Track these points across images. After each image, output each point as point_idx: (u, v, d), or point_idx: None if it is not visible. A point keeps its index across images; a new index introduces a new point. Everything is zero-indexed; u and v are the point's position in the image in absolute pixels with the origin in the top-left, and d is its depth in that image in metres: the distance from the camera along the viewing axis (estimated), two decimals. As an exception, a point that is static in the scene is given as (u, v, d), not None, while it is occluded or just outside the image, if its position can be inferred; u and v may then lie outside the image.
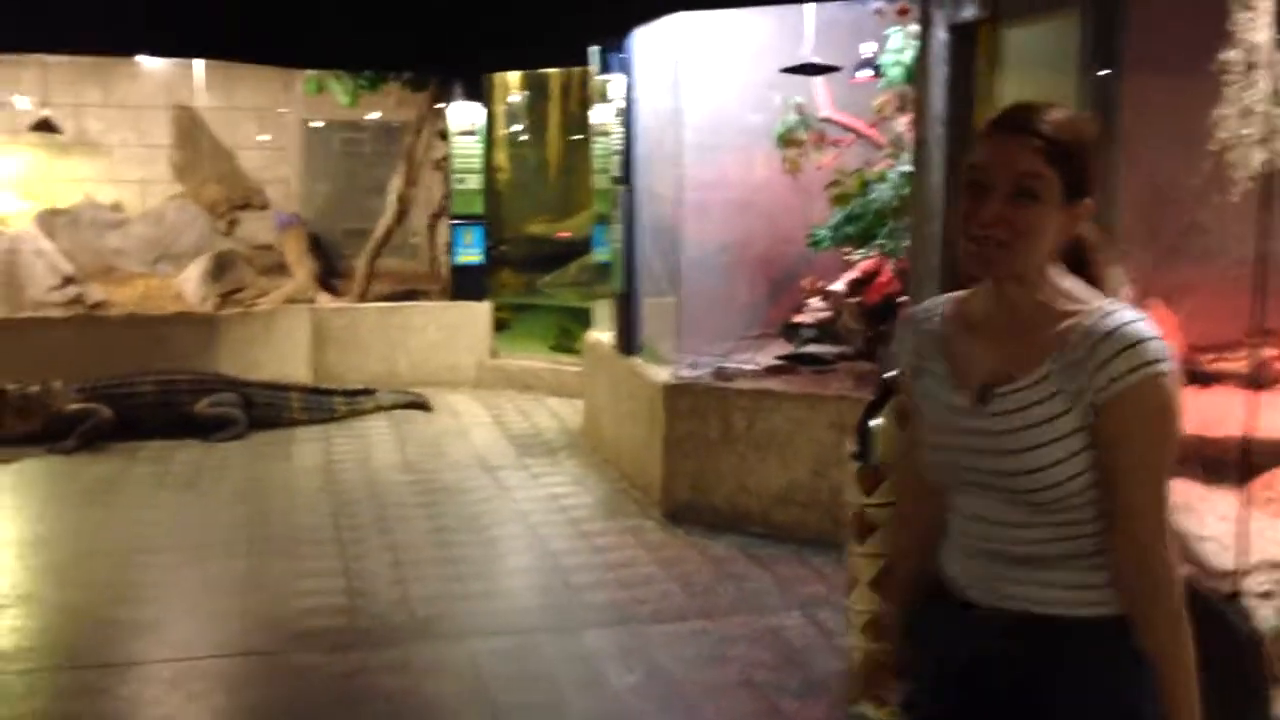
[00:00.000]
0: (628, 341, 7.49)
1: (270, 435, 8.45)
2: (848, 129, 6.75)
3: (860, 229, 6.41)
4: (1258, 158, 3.11)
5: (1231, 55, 2.97)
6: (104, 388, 8.31)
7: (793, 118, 6.65)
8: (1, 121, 11.47)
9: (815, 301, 7.10)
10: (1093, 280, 1.87)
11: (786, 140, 6.66)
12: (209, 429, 8.32)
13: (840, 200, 6.47)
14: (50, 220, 10.73)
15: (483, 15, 9.18)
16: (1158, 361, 1.72)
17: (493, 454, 8.06)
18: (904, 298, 6.83)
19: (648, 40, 7.17)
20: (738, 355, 6.94)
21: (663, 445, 6.53)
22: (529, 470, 7.63)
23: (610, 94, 7.65)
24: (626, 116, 7.30)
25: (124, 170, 11.81)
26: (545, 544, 6.13)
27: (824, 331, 6.99)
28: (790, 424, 6.18)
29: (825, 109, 6.75)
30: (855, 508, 3.95)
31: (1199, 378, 4.07)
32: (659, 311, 7.35)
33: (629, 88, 7.28)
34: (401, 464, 7.74)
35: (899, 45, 6.16)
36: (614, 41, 7.41)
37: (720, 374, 6.59)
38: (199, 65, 11.37)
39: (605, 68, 7.70)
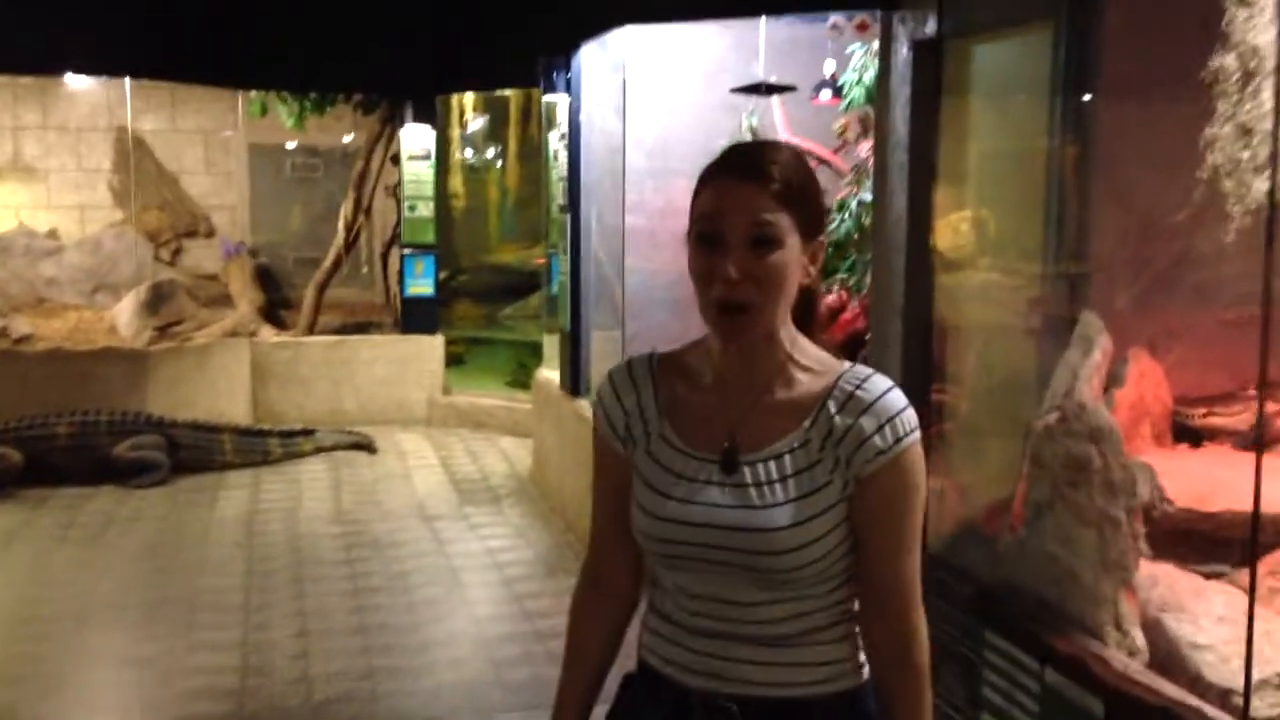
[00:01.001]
0: (574, 382, 6.95)
1: (196, 481, 7.88)
2: (806, 154, 6.24)
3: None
4: (1258, 186, 2.60)
5: (1226, 62, 2.45)
6: (15, 429, 7.73)
7: (748, 142, 6.13)
8: (-70, 145, 10.95)
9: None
10: (811, 326, 1.76)
11: (741, 166, 6.13)
12: (128, 474, 7.75)
13: (798, 231, 5.94)
14: (-23, 249, 10.18)
15: (431, 33, 8.69)
16: (914, 432, 1.65)
17: (433, 501, 7.50)
18: (869, 334, 6.33)
19: (594, 58, 6.67)
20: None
21: (606, 497, 5.98)
22: (468, 521, 7.07)
23: (556, 116, 7.14)
24: (571, 139, 6.78)
25: (61, 196, 11.29)
26: (472, 609, 5.57)
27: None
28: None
29: (783, 132, 6.25)
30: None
31: (1187, 435, 3.54)
32: (607, 350, 6.82)
33: (573, 109, 6.77)
34: (332, 513, 7.17)
35: (860, 63, 5.66)
36: (559, 60, 6.90)
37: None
38: (141, 87, 10.86)
39: (551, 87, 7.19)
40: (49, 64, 9.03)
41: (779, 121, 6.27)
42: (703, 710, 1.69)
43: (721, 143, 6.58)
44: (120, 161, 11.15)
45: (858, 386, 1.66)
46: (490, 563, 6.23)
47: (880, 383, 1.67)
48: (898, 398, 1.66)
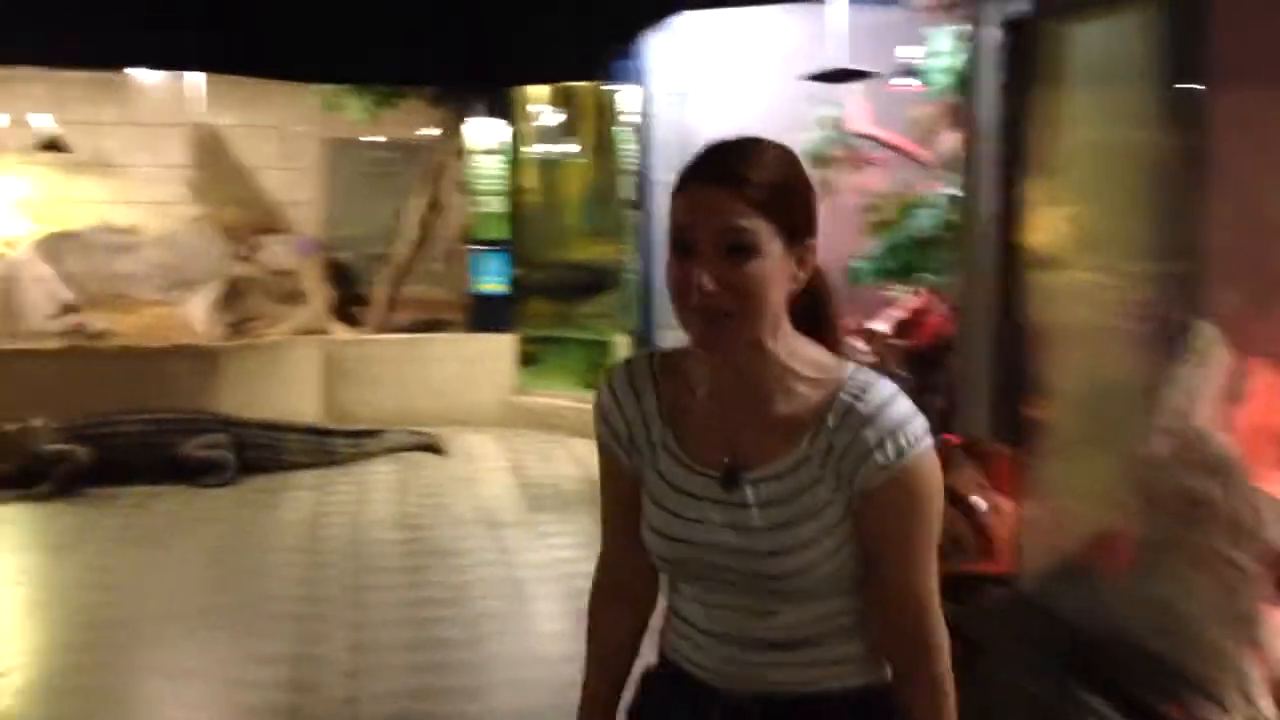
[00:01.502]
0: (644, 385, 6.69)
1: (262, 481, 7.77)
2: (888, 146, 5.90)
3: (902, 261, 5.55)
4: None
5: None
6: (86, 427, 7.68)
7: (825, 133, 5.81)
8: (12, 140, 11.01)
9: (855, 344, 6.25)
10: (827, 330, 1.67)
11: (818, 159, 5.81)
12: (196, 473, 7.66)
13: (878, 228, 5.62)
14: (58, 244, 10.21)
15: (501, 24, 8.48)
16: (918, 443, 1.56)
17: (501, 507, 7.30)
18: (956, 339, 5.97)
19: (663, 47, 6.39)
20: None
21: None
22: (537, 528, 6.85)
23: (625, 108, 6.88)
24: (640, 133, 6.51)
25: (140, 191, 11.29)
26: (536, 625, 5.34)
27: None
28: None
29: (862, 123, 5.92)
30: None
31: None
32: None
33: (644, 101, 6.50)
34: (396, 518, 7.00)
35: (945, 47, 5.30)
36: (627, 49, 6.63)
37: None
38: (218, 82, 10.84)
39: (619, 78, 6.93)
40: (122, 58, 9.02)
41: (858, 111, 5.94)
42: (724, 709, 1.68)
43: (799, 135, 6.31)
44: (197, 157, 11.14)
45: (856, 398, 1.57)
46: (557, 574, 6.00)
47: (881, 392, 1.57)
48: (900, 408, 1.56)
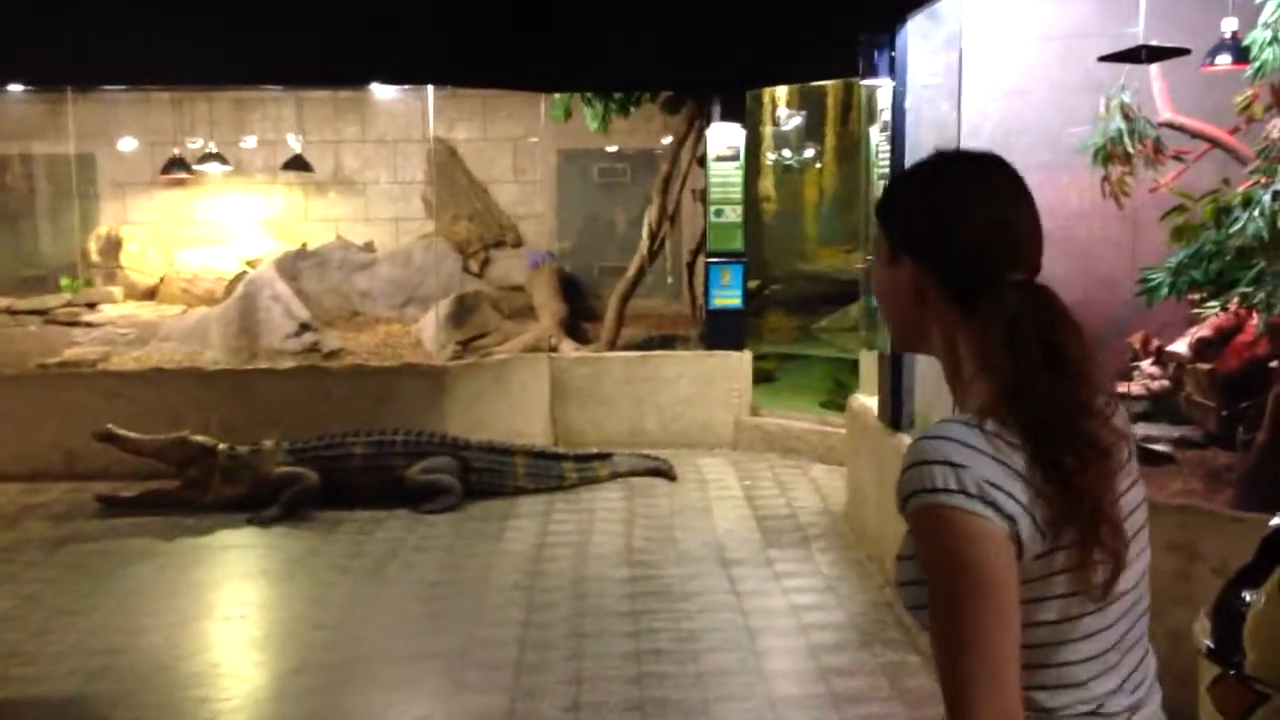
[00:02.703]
0: (894, 413, 5.97)
1: (487, 507, 7.44)
2: (1197, 136, 5.00)
3: (1213, 271, 4.64)
4: None
5: None
6: (314, 449, 7.56)
7: (1118, 124, 4.95)
8: (258, 160, 11.23)
9: (1147, 366, 5.37)
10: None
11: (1108, 155, 4.97)
12: (420, 498, 7.41)
13: (1184, 233, 4.73)
14: (295, 262, 10.30)
15: (739, 23, 7.90)
16: (915, 494, 1.38)
17: (734, 541, 6.71)
18: (1276, 364, 5.00)
19: (922, 33, 5.67)
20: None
21: (933, 557, 4.98)
22: (772, 567, 6.23)
23: (878, 103, 6.18)
24: (895, 130, 5.81)
25: (378, 208, 11.34)
26: (769, 685, 4.71)
27: (1159, 407, 5.26)
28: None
29: (1164, 111, 5.03)
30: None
31: None
32: (934, 375, 5.79)
33: (897, 95, 5.79)
34: (623, 553, 6.51)
35: (1274, 17, 4.39)
36: (881, 38, 5.93)
37: (1013, 465, 4.98)
38: (454, 96, 10.73)
39: (872, 71, 6.23)
40: (357, 75, 8.92)
41: (1158, 96, 5.06)
42: None
43: (1078, 129, 5.48)
44: (437, 173, 11.09)
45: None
46: (794, 625, 5.36)
47: (929, 430, 1.44)
48: (915, 449, 1.42)
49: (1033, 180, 4.98)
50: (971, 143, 5.31)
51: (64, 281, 10.76)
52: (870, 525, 6.41)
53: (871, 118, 6.85)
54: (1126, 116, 4.91)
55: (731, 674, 4.82)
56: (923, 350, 1.59)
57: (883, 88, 6.09)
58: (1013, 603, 1.38)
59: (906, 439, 5.72)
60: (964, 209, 1.50)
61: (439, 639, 5.24)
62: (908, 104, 5.81)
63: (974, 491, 1.36)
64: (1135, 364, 5.26)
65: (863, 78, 6.38)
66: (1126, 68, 4.98)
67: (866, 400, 6.79)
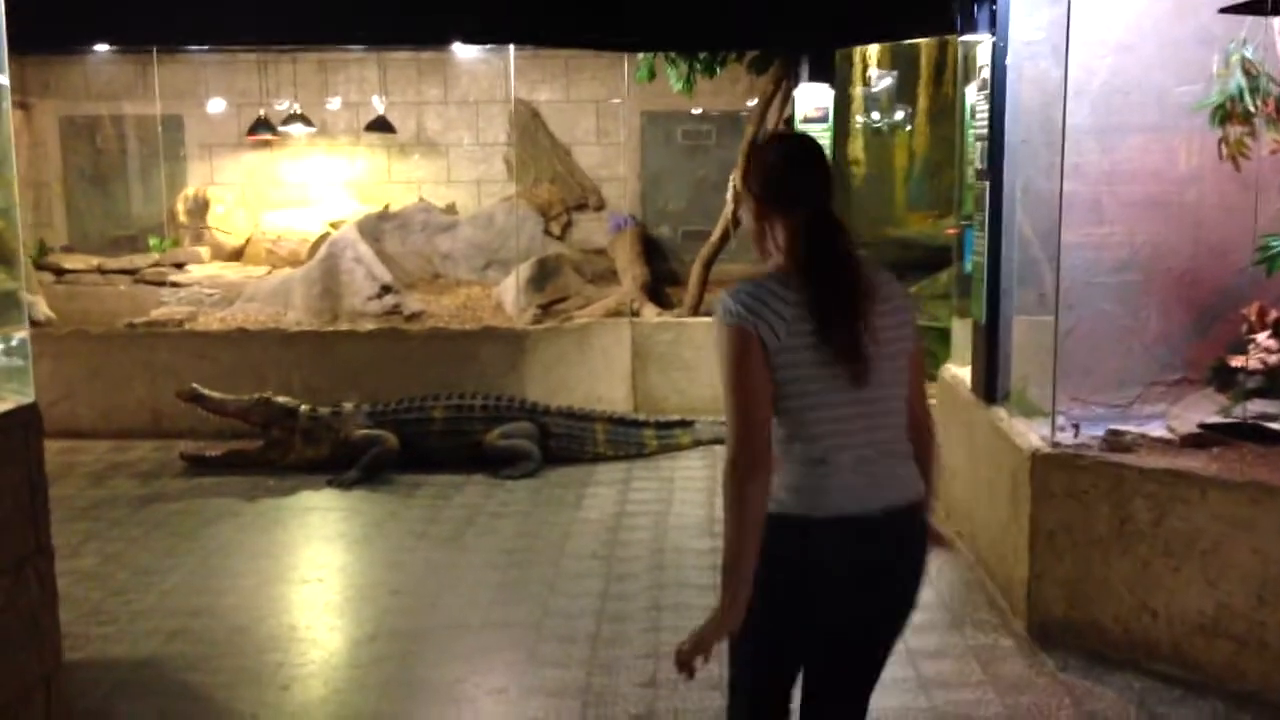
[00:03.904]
0: (989, 386, 5.72)
1: (566, 473, 7.35)
2: (1324, 94, 4.67)
3: (1341, 240, 4.34)
4: None
5: None
6: (394, 412, 7.53)
7: (1238, 81, 4.64)
8: (341, 121, 11.22)
9: (1264, 339, 5.06)
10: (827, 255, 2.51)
11: (1227, 114, 4.66)
12: (499, 463, 7.35)
13: (1311, 198, 4.42)
14: (378, 224, 10.28)
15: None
16: (721, 315, 2.45)
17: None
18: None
19: (1025, -15, 5.38)
20: (1143, 413, 5.06)
21: (1028, 536, 4.77)
22: (857, 541, 6.04)
23: (976, 61, 5.90)
24: (994, 89, 5.53)
25: (459, 170, 11.26)
26: (855, 667, 4.54)
27: (1276, 383, 4.96)
28: (1221, 524, 4.25)
29: (1290, 65, 4.71)
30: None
31: None
32: (1032, 346, 5.54)
33: (997, 51, 5.51)
34: (703, 522, 6.37)
35: None
36: (979, -8, 5.65)
37: (1114, 441, 4.74)
38: (537, 57, 10.60)
39: (971, 26, 5.95)
40: (437, 34, 8.80)
41: (1282, 51, 4.74)
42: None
43: (1189, 88, 5.16)
44: (515, 134, 10.98)
45: None
46: (880, 603, 5.17)
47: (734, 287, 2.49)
48: (722, 295, 2.49)
49: (1137, 143, 4.67)
50: (1076, 103, 5.04)
51: (152, 242, 10.88)
52: (960, 500, 6.18)
53: (967, 77, 6.56)
54: (1248, 73, 4.60)
55: (814, 653, 4.66)
56: (766, 252, 2.56)
57: (982, 44, 5.81)
58: (764, 377, 2.40)
59: (1002, 413, 5.48)
60: (780, 170, 2.53)
61: (514, 609, 5.15)
62: (1008, 61, 5.52)
63: (740, 313, 2.39)
64: (1251, 336, 4.96)
65: (960, 34, 6.10)
66: (1247, 21, 4.66)
67: (959, 371, 6.54)
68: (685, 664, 2.44)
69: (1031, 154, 5.56)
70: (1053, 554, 4.72)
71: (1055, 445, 4.81)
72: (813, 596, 2.46)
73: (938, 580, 5.45)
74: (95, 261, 10.63)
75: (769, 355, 2.38)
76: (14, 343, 3.79)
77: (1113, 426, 4.89)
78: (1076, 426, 4.92)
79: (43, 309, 9.42)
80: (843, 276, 2.41)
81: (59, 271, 10.53)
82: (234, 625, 4.99)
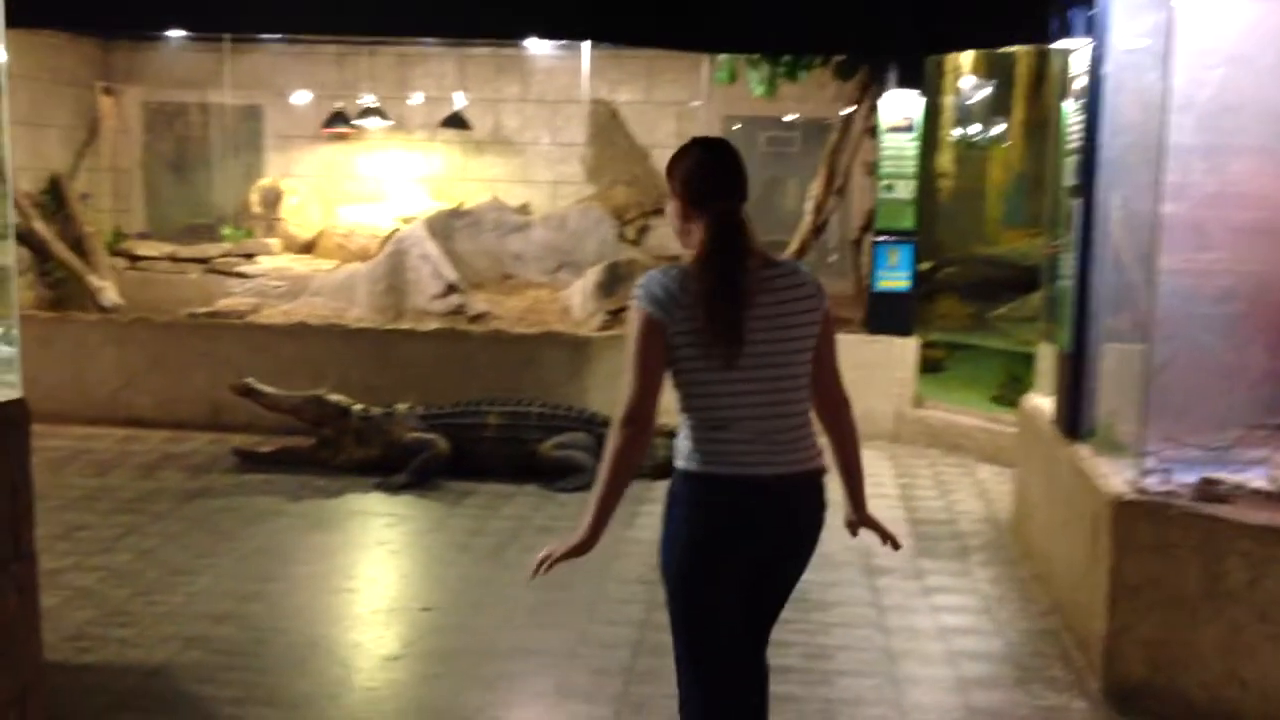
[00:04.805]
0: (1071, 420, 5.29)
1: (621, 488, 7.03)
2: None
3: None
4: None
5: None
6: (448, 416, 7.30)
7: None
8: (417, 117, 11.06)
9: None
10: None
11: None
12: (550, 474, 7.08)
13: None
14: (448, 222, 10.08)
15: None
16: (632, 298, 2.80)
17: (881, 546, 6.12)
18: None
19: (1129, -12, 4.95)
20: (1242, 459, 4.59)
21: (1108, 589, 4.35)
22: (923, 580, 5.66)
23: (1071, 69, 5.48)
24: (1090, 99, 5.11)
25: (535, 169, 11.04)
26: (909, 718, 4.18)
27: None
28: (1325, 589, 3.81)
29: None
30: None
31: None
32: (1122, 379, 5.11)
33: (1095, 59, 5.08)
34: (759, 549, 6.01)
35: None
36: (1079, -3, 5.23)
37: (1208, 490, 4.30)
38: (617, 57, 10.34)
39: (1067, 31, 5.53)
40: (513, 29, 8.58)
41: None
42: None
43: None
44: (593, 135, 10.72)
45: None
46: (941, 651, 4.79)
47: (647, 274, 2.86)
48: (639, 281, 2.82)
49: (1249, 164, 4.17)
50: (1181, 116, 4.61)
51: (225, 231, 10.83)
52: (1037, 541, 5.76)
53: (1065, 88, 6.14)
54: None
55: (865, 704, 4.30)
56: (689, 246, 2.83)
57: (1078, 52, 5.39)
58: (658, 354, 2.74)
59: (1085, 451, 5.05)
60: (694, 171, 2.84)
61: (549, 634, 4.86)
62: (1106, 70, 5.09)
63: (646, 298, 2.74)
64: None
65: (1055, 40, 5.68)
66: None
67: (1041, 401, 6.11)
68: (538, 565, 2.88)
69: (1128, 171, 5.13)
70: (1135, 611, 4.29)
71: (1142, 491, 4.38)
72: (718, 531, 2.82)
73: (1007, 629, 5.05)
74: (168, 249, 10.61)
75: (665, 336, 2.73)
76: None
77: (1207, 474, 4.44)
78: (1165, 470, 4.48)
79: (111, 295, 9.39)
80: (735, 269, 2.73)
81: (133, 258, 10.52)
82: (255, 635, 4.77)
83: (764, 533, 2.84)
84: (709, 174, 2.82)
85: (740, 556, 2.86)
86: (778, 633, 4.84)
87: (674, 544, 2.87)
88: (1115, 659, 4.36)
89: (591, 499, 2.84)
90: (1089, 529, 4.63)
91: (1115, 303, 5.23)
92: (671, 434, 7.16)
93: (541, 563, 2.87)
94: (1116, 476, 4.57)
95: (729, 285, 2.71)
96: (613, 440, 2.78)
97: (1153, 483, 4.43)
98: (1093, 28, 5.08)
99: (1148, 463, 4.48)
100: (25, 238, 9.67)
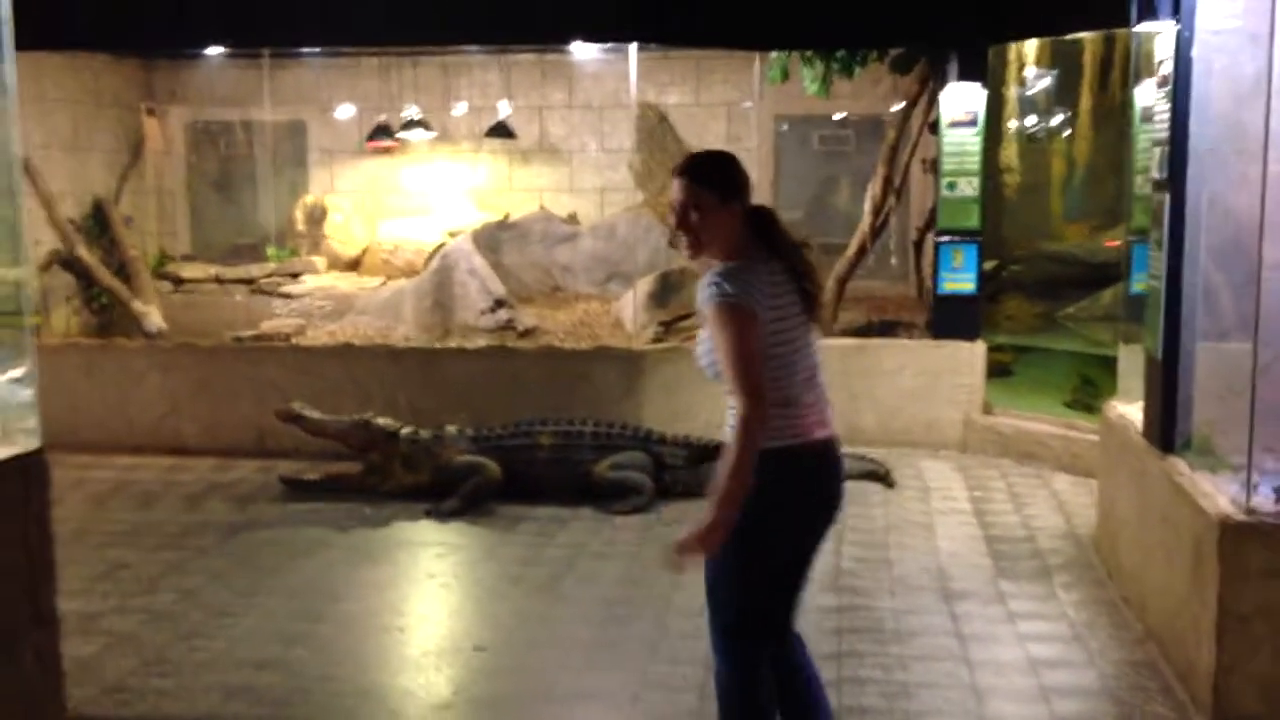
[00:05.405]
0: (1165, 431, 4.91)
1: (680, 509, 6.74)
2: None
3: None
4: None
5: None
6: (498, 437, 7.04)
7: None
8: (462, 127, 10.84)
9: None
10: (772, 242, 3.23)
11: None
12: (607, 496, 6.79)
13: None
14: (495, 234, 9.84)
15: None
16: (717, 296, 3.05)
17: (959, 567, 5.80)
18: None
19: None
20: (1359, 473, 4.19)
21: (1215, 619, 3.98)
22: (1006, 604, 5.30)
23: (1155, 54, 5.10)
24: (1177, 85, 4.73)
25: (583, 178, 10.77)
26: (1001, 772, 3.83)
27: None
28: None
29: None
30: None
31: None
32: (1220, 387, 4.72)
33: (1182, 41, 4.71)
34: (829, 575, 5.67)
35: None
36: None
37: (1327, 510, 3.92)
38: (665, 58, 10.04)
39: (1148, 13, 5.15)
40: (558, 33, 8.31)
41: None
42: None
43: None
44: (645, 140, 10.42)
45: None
46: (1032, 686, 4.43)
47: (716, 271, 3.13)
48: (711, 279, 3.10)
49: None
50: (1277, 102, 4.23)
51: (270, 251, 10.67)
52: (1125, 562, 5.38)
53: (1138, 76, 5.75)
54: None
55: (952, 750, 3.96)
56: (712, 252, 3.21)
57: (1162, 34, 5.01)
58: (761, 341, 3.06)
59: (1182, 465, 4.68)
60: (737, 172, 3.25)
61: (609, 675, 4.57)
62: (1195, 53, 4.71)
63: (738, 293, 3.05)
64: None
65: (1136, 22, 5.30)
66: None
67: (1127, 410, 5.72)
68: (679, 555, 3.09)
69: (1220, 162, 4.74)
70: (1247, 643, 3.93)
71: (1251, 512, 4.01)
72: (803, 495, 3.23)
73: (1100, 659, 4.68)
74: (213, 271, 10.46)
75: (760, 324, 3.06)
76: (16, 375, 3.33)
77: (1323, 491, 4.06)
78: (1277, 489, 4.11)
79: (156, 320, 9.25)
80: (797, 253, 3.26)
81: (177, 281, 10.39)
82: (300, 683, 4.52)
83: (836, 488, 3.31)
84: (743, 174, 3.25)
85: (820, 514, 3.30)
86: (854, 669, 4.57)
87: (764, 512, 3.08)
88: (1225, 694, 4.00)
89: (725, 497, 3.00)
90: (1190, 552, 4.26)
91: (1210, 305, 4.85)
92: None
93: (681, 550, 3.08)
94: (1220, 495, 4.21)
95: (800, 267, 3.24)
96: (747, 441, 2.98)
97: (1262, 501, 4.06)
98: (1178, 9, 4.70)
99: (1255, 479, 4.11)
100: (69, 264, 9.57)
